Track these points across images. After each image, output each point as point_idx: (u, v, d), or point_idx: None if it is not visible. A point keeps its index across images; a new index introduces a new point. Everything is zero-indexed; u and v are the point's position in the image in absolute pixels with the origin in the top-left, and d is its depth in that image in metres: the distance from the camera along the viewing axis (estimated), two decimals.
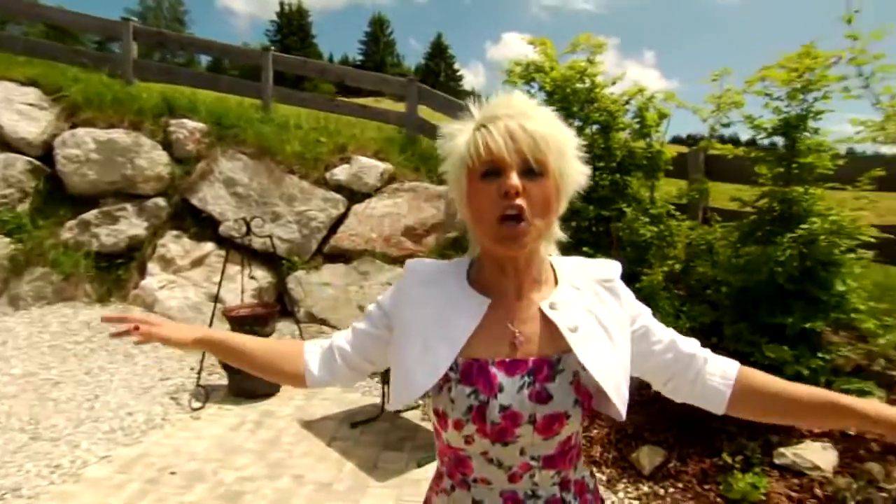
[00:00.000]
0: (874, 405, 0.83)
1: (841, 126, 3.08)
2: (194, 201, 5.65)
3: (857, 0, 2.56)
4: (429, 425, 3.56)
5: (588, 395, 0.85)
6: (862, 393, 2.51)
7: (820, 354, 2.68)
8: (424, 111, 6.93)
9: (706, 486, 2.58)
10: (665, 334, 0.93)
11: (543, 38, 4.74)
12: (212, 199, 5.61)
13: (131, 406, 3.72)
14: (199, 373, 3.97)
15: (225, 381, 4.15)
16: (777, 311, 2.82)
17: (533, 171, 0.81)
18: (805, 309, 2.77)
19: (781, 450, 2.53)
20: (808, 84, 2.86)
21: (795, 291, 2.83)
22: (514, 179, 0.79)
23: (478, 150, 0.81)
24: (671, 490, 2.64)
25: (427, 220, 5.68)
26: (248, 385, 3.95)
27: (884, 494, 2.15)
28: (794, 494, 2.32)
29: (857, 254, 2.80)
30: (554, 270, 0.93)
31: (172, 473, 2.94)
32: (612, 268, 0.95)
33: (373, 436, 3.40)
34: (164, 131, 5.99)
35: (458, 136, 0.86)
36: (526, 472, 0.86)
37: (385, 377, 3.70)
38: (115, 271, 5.51)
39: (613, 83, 4.46)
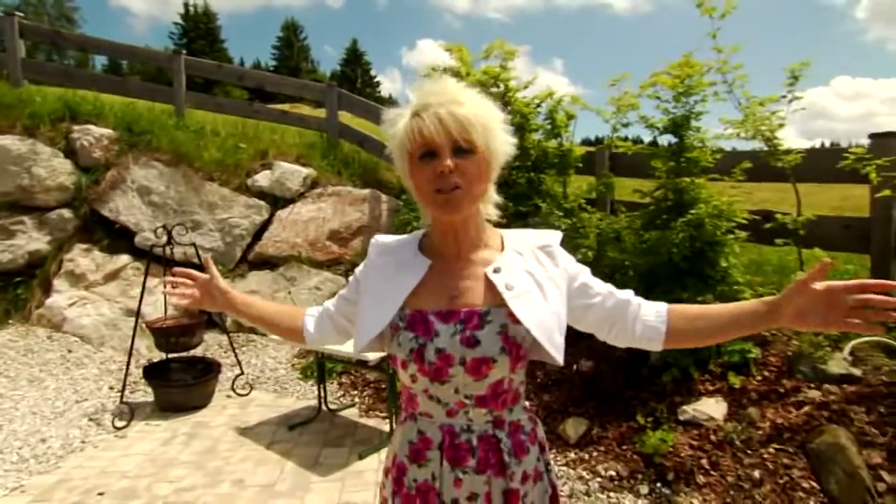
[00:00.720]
0: (777, 298, 0.93)
1: (715, 126, 3.56)
2: (105, 212, 5.32)
3: (720, 20, 3.01)
4: (368, 421, 3.64)
5: (516, 345, 0.95)
6: (744, 352, 2.93)
7: None
8: (345, 116, 6.97)
9: (624, 447, 2.89)
10: (602, 287, 1.04)
11: (459, 44, 4.98)
12: (125, 208, 5.32)
13: (44, 432, 3.48)
14: (122, 390, 3.79)
15: (150, 398, 3.98)
16: (675, 288, 3.20)
17: (463, 149, 0.93)
18: (697, 284, 3.18)
19: (684, 407, 2.89)
20: (689, 88, 3.29)
21: (689, 269, 3.23)
22: (446, 160, 0.92)
23: (413, 136, 0.93)
24: (595, 454, 2.92)
25: (352, 223, 5.74)
26: (176, 398, 3.83)
27: (760, 432, 2.54)
28: (694, 443, 2.67)
29: (736, 234, 3.25)
30: (502, 240, 1.06)
31: (100, 494, 2.82)
32: (551, 236, 1.07)
33: (312, 436, 3.43)
34: (65, 138, 5.58)
35: (398, 122, 0.97)
36: (461, 409, 0.99)
37: (321, 378, 3.74)
38: (14, 290, 5.07)
39: (525, 87, 4.79)
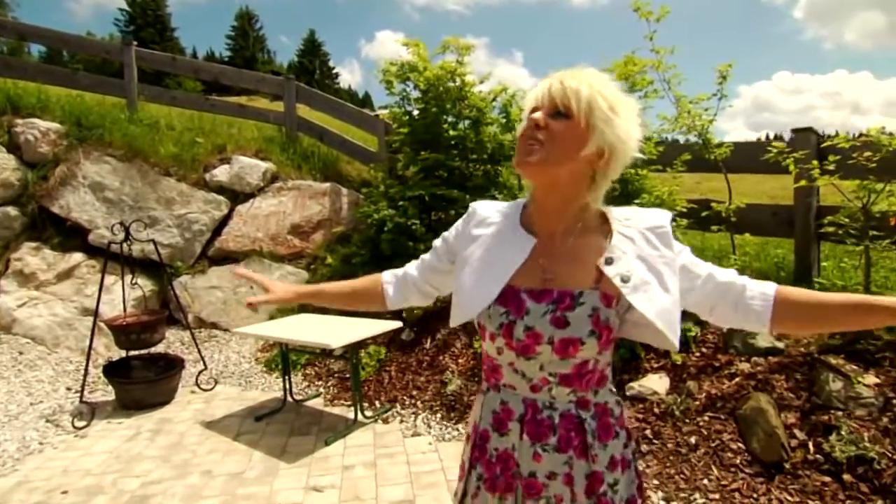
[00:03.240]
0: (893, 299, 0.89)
1: (655, 120, 3.79)
2: (55, 209, 5.17)
3: (656, 23, 3.25)
4: (334, 410, 3.74)
5: (607, 327, 0.94)
6: (685, 331, 3.18)
7: None
8: (303, 110, 6.95)
9: None
10: (703, 269, 0.99)
11: (416, 39, 5.07)
12: (76, 205, 5.18)
13: None
14: (81, 389, 3.74)
15: (111, 397, 3.95)
16: None
17: (559, 112, 0.94)
18: None
19: (631, 384, 3.11)
20: (633, 85, 3.50)
21: None
22: (538, 115, 0.95)
23: (531, 95, 1.00)
24: None
25: (313, 217, 5.77)
26: (138, 395, 3.82)
27: (697, 403, 2.79)
28: (640, 416, 2.90)
29: (677, 222, 3.50)
30: (607, 218, 1.02)
31: (64, 493, 2.81)
32: (661, 216, 1.01)
33: (279, 426, 3.50)
34: (8, 132, 5.36)
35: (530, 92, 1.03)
36: (545, 386, 0.99)
37: (286, 370, 3.80)
38: None
39: (481, 82, 4.93)
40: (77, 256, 5.05)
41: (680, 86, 3.24)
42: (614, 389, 1.06)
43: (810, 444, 2.33)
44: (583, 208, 1.00)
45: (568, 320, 0.94)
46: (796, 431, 2.40)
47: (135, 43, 6.59)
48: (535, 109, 0.97)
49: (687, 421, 2.76)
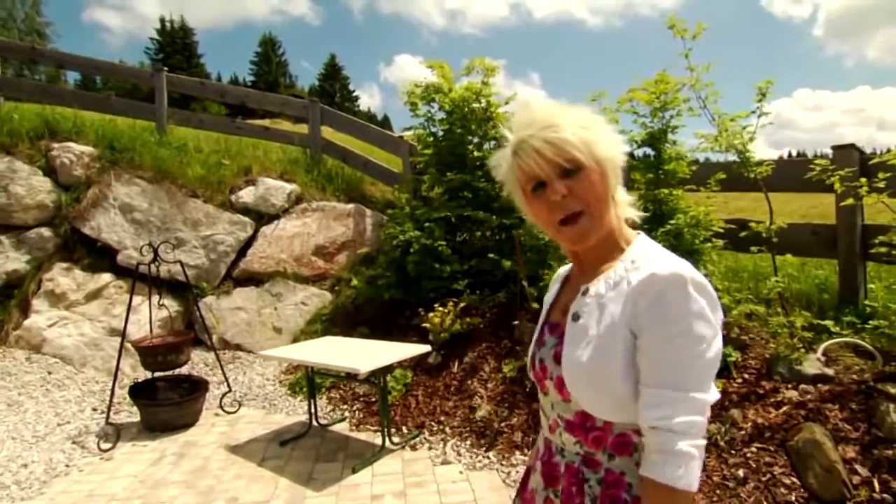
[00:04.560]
0: None
1: (690, 139, 3.72)
2: (86, 230, 5.25)
3: (691, 41, 3.20)
4: (360, 435, 3.65)
5: None
6: (724, 356, 3.04)
7: None
8: (326, 132, 7.03)
9: None
10: (648, 377, 0.80)
11: (441, 61, 5.10)
12: (107, 226, 5.26)
13: (25, 457, 3.40)
14: (107, 410, 3.73)
15: (136, 418, 3.93)
16: None
17: (569, 171, 0.87)
18: None
19: None
20: (665, 104, 3.44)
21: None
22: (556, 187, 0.87)
23: (518, 175, 0.91)
24: None
25: (337, 238, 5.77)
26: (164, 416, 3.79)
27: (742, 432, 2.64)
28: None
29: (713, 243, 3.39)
30: (625, 248, 0.93)
31: None
32: (672, 277, 0.81)
33: (304, 451, 3.43)
34: (44, 156, 5.51)
35: (503, 165, 0.96)
36: (557, 428, 0.94)
37: (312, 393, 3.73)
38: None
39: (507, 103, 4.92)
40: (106, 277, 5.11)
41: (716, 103, 3.17)
42: (633, 458, 0.87)
43: (875, 482, 2.17)
44: (608, 236, 0.93)
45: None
46: (857, 467, 2.24)
47: (165, 69, 6.77)
48: (537, 181, 0.89)
49: (733, 452, 2.61)
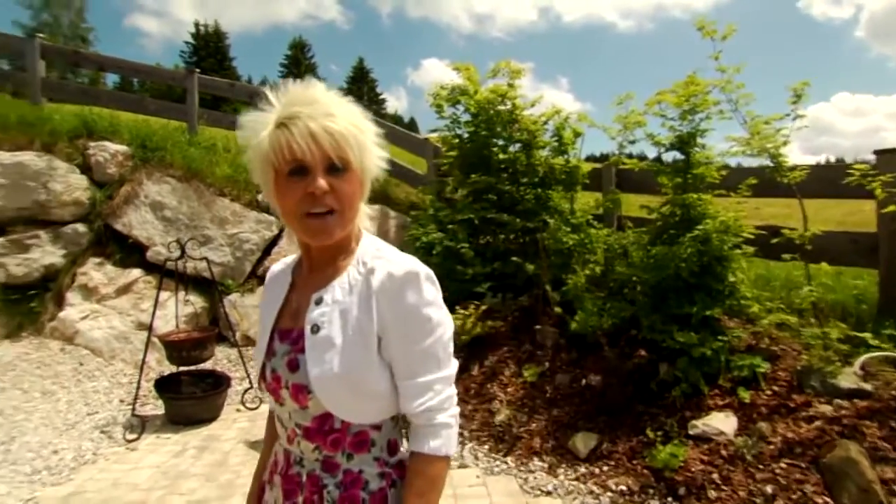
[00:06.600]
0: None
1: (720, 142, 3.61)
2: (118, 226, 5.42)
3: (721, 42, 3.11)
4: None
5: None
6: (753, 366, 2.94)
7: (719, 337, 3.09)
8: None
9: (634, 461, 2.89)
10: (404, 370, 0.87)
11: (467, 63, 5.09)
12: (138, 223, 5.41)
13: (55, 444, 3.51)
14: (133, 402, 3.82)
15: (160, 411, 4.01)
16: (683, 303, 3.22)
17: (337, 168, 0.83)
18: (705, 299, 3.19)
19: (694, 422, 2.89)
20: (694, 107, 3.35)
21: (697, 284, 3.25)
22: (320, 181, 0.81)
23: (282, 151, 0.81)
24: (605, 468, 2.92)
25: None
26: (187, 410, 3.86)
27: (771, 446, 2.54)
28: (705, 457, 2.67)
29: (743, 249, 3.28)
30: (360, 250, 0.93)
31: None
32: (399, 277, 0.85)
33: None
34: (82, 154, 5.71)
35: (260, 131, 0.85)
36: (295, 437, 0.90)
37: None
38: (28, 303, 5.13)
39: (532, 105, 4.87)
40: (135, 272, 5.25)
41: (749, 106, 3.06)
42: (390, 459, 0.92)
43: None
44: (344, 237, 0.91)
45: (299, 363, 0.86)
46: None
47: (197, 71, 6.93)
48: (299, 165, 0.82)
49: (761, 467, 2.52)
